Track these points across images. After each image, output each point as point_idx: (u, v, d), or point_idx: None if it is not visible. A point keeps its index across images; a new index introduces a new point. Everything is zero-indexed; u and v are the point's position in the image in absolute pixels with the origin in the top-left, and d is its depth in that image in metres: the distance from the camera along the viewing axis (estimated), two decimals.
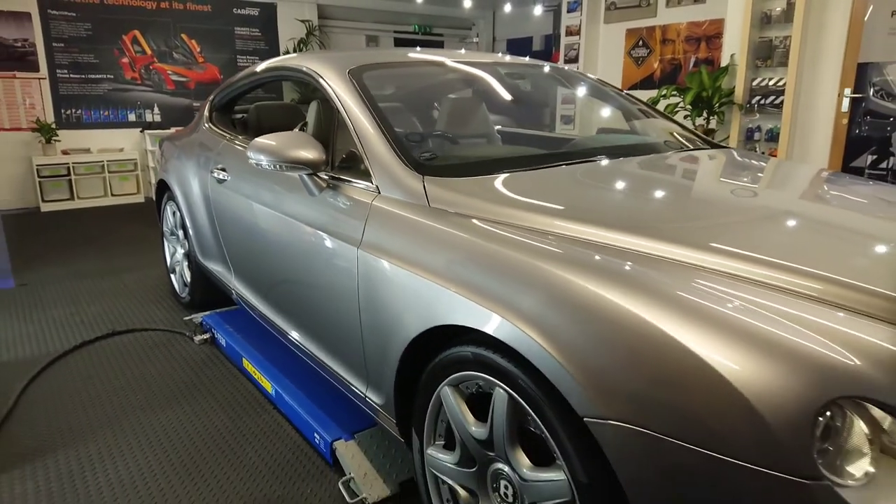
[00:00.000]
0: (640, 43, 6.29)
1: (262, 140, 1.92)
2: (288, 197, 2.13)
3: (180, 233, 3.37)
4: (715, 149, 2.38)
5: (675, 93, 4.90)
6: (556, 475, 1.21)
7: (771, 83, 4.57)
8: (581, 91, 2.92)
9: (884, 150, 4.12)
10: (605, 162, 1.96)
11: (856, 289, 1.09)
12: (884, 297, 1.07)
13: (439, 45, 10.02)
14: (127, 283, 4.02)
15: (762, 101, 4.61)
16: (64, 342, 3.06)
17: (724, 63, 4.83)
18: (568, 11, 6.71)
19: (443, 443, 1.54)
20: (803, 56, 4.36)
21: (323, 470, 2.03)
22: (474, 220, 1.50)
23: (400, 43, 9.49)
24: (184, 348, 3.01)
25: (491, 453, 1.37)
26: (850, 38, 4.15)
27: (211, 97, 3.27)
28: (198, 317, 3.23)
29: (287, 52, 8.01)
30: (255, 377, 2.58)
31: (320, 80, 2.15)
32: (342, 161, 1.96)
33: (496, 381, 1.30)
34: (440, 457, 1.52)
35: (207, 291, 3.27)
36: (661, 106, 4.94)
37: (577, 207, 1.52)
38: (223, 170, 2.66)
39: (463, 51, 2.65)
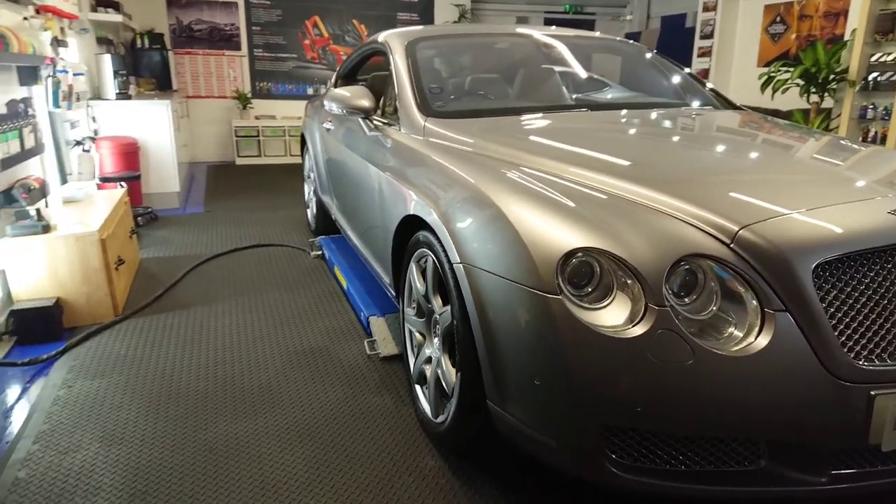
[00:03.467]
0: (778, 19, 6.12)
1: (334, 91, 2.69)
2: (355, 137, 2.88)
3: (312, 175, 4.33)
4: (728, 110, 2.69)
5: (782, 69, 4.84)
6: (447, 308, 1.80)
7: (890, 58, 4.37)
8: (611, 58, 3.28)
9: None
10: (575, 112, 2.44)
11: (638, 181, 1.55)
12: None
13: (590, 24, 10.22)
14: (279, 216, 5.13)
15: (879, 78, 4.43)
16: (223, 248, 4.17)
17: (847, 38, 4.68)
18: None
19: (413, 309, 2.19)
20: None
21: (361, 335, 2.79)
22: (444, 144, 2.11)
23: (549, 23, 9.86)
24: (302, 260, 3.96)
25: (429, 304, 1.99)
26: None
27: (338, 68, 4.14)
28: (316, 240, 4.16)
29: None
30: (338, 278, 3.41)
31: (388, 50, 2.85)
32: (390, 110, 2.66)
33: (429, 252, 1.92)
34: (409, 313, 2.18)
35: (325, 220, 4.19)
36: (768, 82, 4.93)
37: (512, 138, 2.07)
38: (330, 122, 3.50)
39: (519, 27, 3.17)
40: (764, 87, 4.99)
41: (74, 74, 4.16)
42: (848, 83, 4.55)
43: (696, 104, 2.78)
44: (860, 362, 1.32)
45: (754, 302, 1.34)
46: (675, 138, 2.09)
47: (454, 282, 1.72)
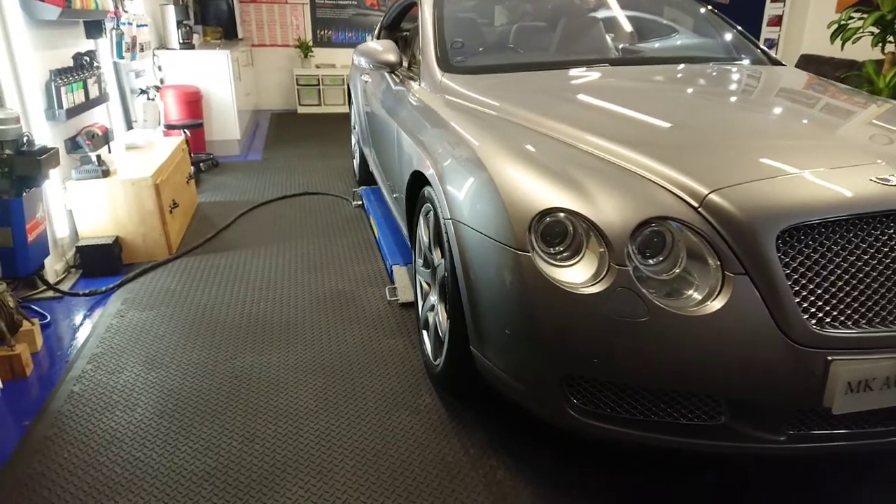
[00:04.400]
0: None
1: (362, 45, 2.78)
2: (385, 91, 2.97)
3: (356, 126, 4.46)
4: (767, 65, 2.59)
5: (853, 16, 4.50)
6: (443, 261, 1.91)
7: None
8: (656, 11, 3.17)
9: None
10: (592, 67, 2.42)
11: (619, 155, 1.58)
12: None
13: None
14: (329, 165, 5.33)
15: None
16: (274, 195, 4.40)
17: None
18: None
19: (422, 260, 2.31)
20: None
21: (386, 282, 2.95)
22: (454, 101, 2.18)
23: None
24: (344, 208, 4.14)
25: (430, 255, 2.11)
26: None
27: (381, 19, 4.20)
28: (358, 190, 4.33)
29: None
30: (372, 228, 3.57)
31: (420, 3, 2.89)
32: (415, 64, 2.72)
33: (431, 207, 2.02)
34: (419, 264, 2.30)
35: (367, 171, 4.33)
36: (839, 31, 4.60)
37: (515, 96, 2.10)
38: (367, 74, 3.60)
39: None
40: (834, 36, 4.66)
41: (138, 26, 4.40)
42: None
43: (729, 59, 2.69)
44: (818, 328, 1.34)
45: (716, 264, 1.37)
46: (679, 97, 2.05)
47: (447, 236, 1.82)
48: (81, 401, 2.06)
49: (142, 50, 4.52)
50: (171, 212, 3.35)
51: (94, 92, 3.47)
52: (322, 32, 8.55)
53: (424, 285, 2.27)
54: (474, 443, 1.84)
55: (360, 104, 3.98)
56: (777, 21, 6.28)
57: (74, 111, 3.17)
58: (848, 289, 1.36)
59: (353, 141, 4.77)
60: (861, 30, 4.41)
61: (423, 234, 2.18)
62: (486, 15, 2.98)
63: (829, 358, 1.33)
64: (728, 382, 1.39)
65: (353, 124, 4.70)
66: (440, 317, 2.00)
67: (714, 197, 1.40)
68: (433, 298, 2.13)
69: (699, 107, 1.92)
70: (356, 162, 4.70)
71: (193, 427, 1.93)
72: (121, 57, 4.07)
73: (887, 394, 1.35)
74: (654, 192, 1.46)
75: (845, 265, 1.36)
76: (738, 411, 1.44)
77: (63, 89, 3.03)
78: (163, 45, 5.53)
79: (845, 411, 1.35)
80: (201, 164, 5.08)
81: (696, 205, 1.41)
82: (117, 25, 4.02)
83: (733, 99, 2.06)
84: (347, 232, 3.66)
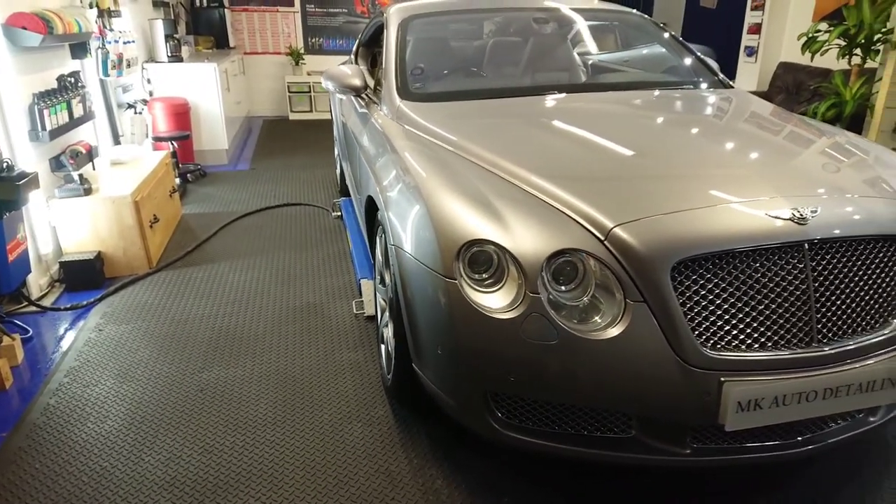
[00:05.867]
0: None
1: (329, 70, 2.90)
2: (352, 111, 3.10)
3: (337, 138, 4.59)
4: (718, 89, 2.71)
5: (819, 30, 4.60)
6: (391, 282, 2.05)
7: None
8: (605, 34, 3.29)
9: None
10: (541, 96, 2.54)
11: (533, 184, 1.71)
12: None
13: None
14: (315, 175, 5.46)
15: None
16: (257, 206, 4.54)
17: None
18: None
19: (379, 278, 2.43)
20: None
21: (355, 295, 3.08)
22: (408, 129, 2.30)
23: None
24: (323, 219, 4.27)
25: (384, 274, 2.24)
26: None
27: (360, 36, 4.32)
28: (338, 201, 4.46)
29: None
30: (347, 240, 3.70)
31: (385, 26, 3.02)
32: (380, 87, 2.85)
33: (382, 230, 2.15)
34: (377, 281, 2.43)
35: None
36: (809, 43, 4.71)
37: (462, 127, 2.22)
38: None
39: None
40: (804, 48, 4.77)
41: (124, 43, 4.54)
42: (890, 44, 4.29)
43: (681, 83, 2.80)
44: (711, 351, 1.46)
45: (619, 293, 1.50)
46: (612, 128, 2.13)
47: (392, 260, 1.95)
48: (56, 413, 2.20)
49: (129, 66, 4.65)
50: (151, 226, 3.48)
51: (78, 111, 3.61)
52: (313, 40, 8.68)
53: (381, 302, 2.40)
54: (418, 453, 1.97)
55: (337, 118, 4.11)
56: (756, 29, 6.38)
57: (58, 131, 3.31)
58: (740, 315, 1.49)
59: (336, 151, 4.90)
60: (828, 42, 4.52)
61: (379, 253, 2.31)
62: (449, 41, 3.10)
63: (722, 379, 1.46)
64: (631, 400, 1.52)
65: (335, 135, 4.83)
66: (389, 334, 2.13)
67: (618, 231, 1.52)
68: (386, 316, 2.26)
69: (626, 138, 2.03)
70: (338, 172, 4.83)
71: (158, 438, 2.06)
72: (106, 74, 4.21)
73: (777, 412, 1.48)
74: (568, 225, 1.59)
75: (738, 293, 1.49)
76: (646, 426, 1.56)
77: (46, 111, 3.16)
78: (152, 59, 5.67)
79: (737, 428, 1.47)
80: (189, 175, 5.22)
81: (602, 237, 1.53)
82: (103, 45, 4.15)
83: (662, 129, 2.16)
84: (324, 244, 3.79)
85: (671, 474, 1.88)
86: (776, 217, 1.51)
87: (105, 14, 4.24)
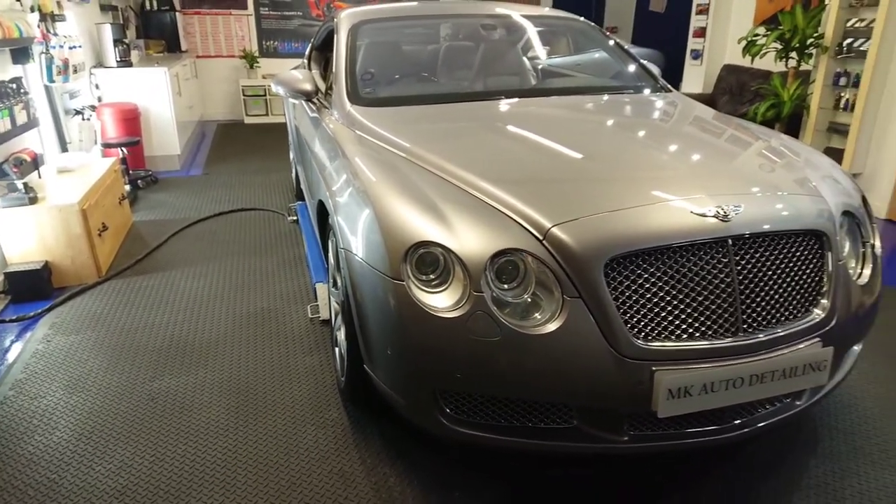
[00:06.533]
0: None
1: (279, 75, 2.90)
2: (304, 115, 3.11)
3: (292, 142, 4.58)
4: (657, 93, 2.81)
5: (757, 34, 4.81)
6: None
7: (862, 25, 4.32)
8: (554, 39, 3.38)
9: None
10: (489, 101, 2.60)
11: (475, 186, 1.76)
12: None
13: None
14: (270, 180, 5.43)
15: (853, 44, 4.38)
16: (211, 211, 4.49)
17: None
18: None
19: (332, 281, 2.46)
20: None
21: (311, 299, 3.09)
22: (358, 134, 2.34)
23: None
24: (279, 224, 4.26)
25: (337, 278, 2.26)
26: None
27: (312, 40, 4.32)
28: (294, 205, 4.45)
29: None
30: (302, 244, 3.71)
31: (336, 31, 3.04)
32: (331, 92, 2.87)
33: (333, 234, 2.17)
34: (331, 284, 2.46)
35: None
36: (749, 47, 4.91)
37: (410, 131, 2.26)
38: None
39: (474, 5, 3.29)
40: (745, 52, 4.97)
41: (70, 48, 4.44)
42: (822, 49, 4.52)
43: (623, 88, 2.90)
44: (643, 342, 1.54)
45: (557, 289, 1.56)
46: (554, 132, 2.21)
47: (342, 263, 1.98)
48: (1, 427, 2.15)
49: (75, 71, 4.55)
50: (100, 235, 3.42)
51: (22, 118, 3.52)
52: (268, 43, 8.61)
53: (335, 305, 2.43)
54: (371, 453, 2.01)
55: (291, 120, 4.10)
56: (701, 33, 6.60)
57: (0, 139, 3.22)
58: (669, 307, 1.57)
59: (291, 155, 4.89)
60: (766, 46, 4.72)
61: (332, 257, 2.34)
62: (399, 46, 3.14)
63: (654, 368, 1.54)
64: (571, 391, 1.58)
65: (290, 139, 4.81)
66: (341, 336, 2.16)
67: (555, 230, 1.59)
68: (339, 319, 2.28)
69: (569, 142, 2.10)
70: (294, 176, 4.81)
71: (108, 448, 2.04)
72: (51, 80, 4.11)
73: (706, 398, 1.56)
74: (510, 226, 1.65)
75: (667, 287, 1.57)
76: (586, 416, 1.64)
77: None
78: (100, 64, 5.54)
79: (668, 415, 1.55)
80: (139, 182, 5.12)
81: (540, 237, 1.60)
82: (46, 49, 4.06)
83: (603, 133, 2.24)
84: (279, 248, 3.79)
85: (612, 463, 1.96)
86: (701, 215, 1.60)
87: (48, 18, 4.15)
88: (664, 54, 8.74)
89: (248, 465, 1.96)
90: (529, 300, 1.60)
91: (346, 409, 2.23)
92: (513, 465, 1.95)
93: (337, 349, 2.40)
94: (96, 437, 2.09)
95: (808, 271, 1.72)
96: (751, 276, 1.63)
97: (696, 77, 6.76)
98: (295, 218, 4.29)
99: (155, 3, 7.59)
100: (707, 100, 6.18)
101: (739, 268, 1.61)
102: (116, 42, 5.46)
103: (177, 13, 7.64)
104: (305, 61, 4.19)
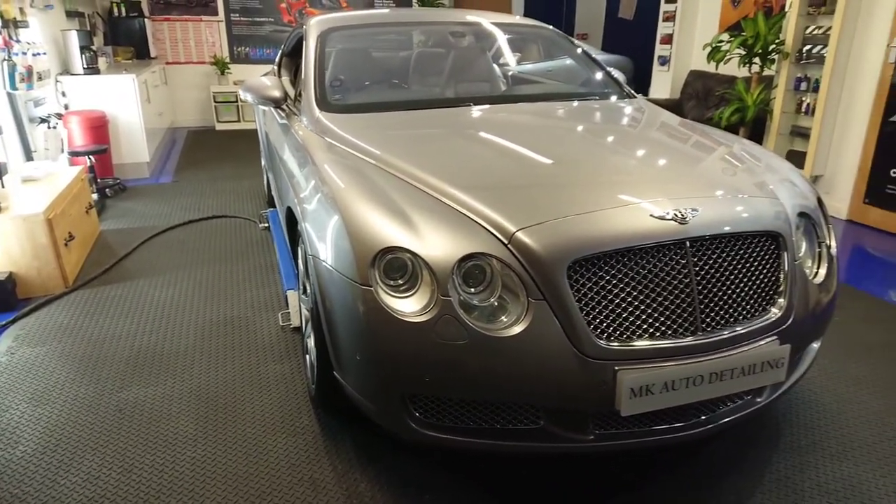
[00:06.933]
0: None
1: (247, 81, 2.90)
2: (274, 122, 3.11)
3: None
4: (622, 100, 2.87)
5: (721, 40, 4.93)
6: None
7: (820, 32, 4.46)
8: (521, 47, 3.43)
9: None
10: (456, 108, 2.63)
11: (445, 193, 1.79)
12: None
13: None
14: (242, 186, 5.39)
15: (812, 50, 4.52)
16: (181, 219, 4.45)
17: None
18: None
19: (303, 288, 2.46)
20: (855, 3, 4.20)
21: (282, 306, 3.08)
22: (327, 141, 2.34)
23: None
24: (250, 231, 4.23)
25: (307, 284, 2.26)
26: None
27: (283, 46, 4.32)
28: (266, 212, 4.42)
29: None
30: (274, 251, 3.69)
31: (305, 38, 3.05)
32: (300, 98, 2.87)
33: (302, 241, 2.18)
34: (301, 291, 2.45)
35: None
36: (711, 52, 5.02)
37: (379, 137, 2.28)
38: None
39: (442, 15, 3.32)
40: (709, 58, 5.09)
41: (34, 55, 4.37)
42: (783, 54, 4.64)
43: (590, 94, 2.95)
44: (606, 343, 1.58)
45: (522, 292, 1.59)
46: (521, 138, 2.24)
47: (311, 270, 1.98)
48: None
49: (40, 79, 4.48)
50: (66, 244, 3.37)
51: None
52: (239, 49, 8.55)
53: (305, 312, 2.42)
54: (342, 459, 2.01)
55: (262, 127, 4.09)
56: (668, 39, 6.73)
57: None
58: (631, 308, 1.61)
59: (263, 162, 4.86)
60: (729, 52, 4.84)
61: (301, 264, 2.34)
62: (369, 53, 3.15)
63: (616, 368, 1.57)
64: (538, 392, 1.61)
65: (261, 145, 4.79)
66: (311, 343, 2.16)
67: (519, 234, 1.62)
68: (310, 326, 2.28)
69: (536, 147, 2.13)
70: (266, 182, 4.79)
71: (75, 460, 2.01)
72: (14, 88, 4.04)
73: (667, 396, 1.60)
74: (477, 231, 1.67)
75: (628, 288, 1.61)
76: (553, 416, 1.66)
77: None
78: (66, 71, 5.46)
79: (631, 413, 1.59)
80: (107, 190, 5.05)
81: (505, 241, 1.62)
82: (9, 56, 3.99)
83: (569, 139, 2.28)
84: (251, 256, 3.77)
85: (579, 462, 1.99)
86: (660, 217, 1.65)
87: (10, 25, 4.08)
88: (634, 60, 8.90)
89: (217, 474, 1.95)
90: (496, 304, 1.63)
91: (317, 416, 2.23)
92: (482, 466, 1.97)
93: (307, 356, 2.39)
94: (62, 450, 2.06)
95: (764, 271, 1.78)
96: (709, 276, 1.67)
97: (663, 82, 6.89)
98: (266, 225, 4.27)
99: (123, 10, 7.50)
100: (674, 105, 6.30)
101: (697, 269, 1.66)
102: (83, 49, 5.38)
103: (146, 20, 7.56)
104: (276, 68, 4.17)
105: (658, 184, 1.82)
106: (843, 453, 2.04)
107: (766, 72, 5.10)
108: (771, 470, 1.96)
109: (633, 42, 9.46)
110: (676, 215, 1.65)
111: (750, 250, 1.76)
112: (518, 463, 1.99)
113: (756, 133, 5.13)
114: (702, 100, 6.15)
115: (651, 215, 1.66)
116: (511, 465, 1.98)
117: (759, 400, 1.84)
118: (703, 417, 1.75)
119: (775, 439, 2.11)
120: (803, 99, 4.67)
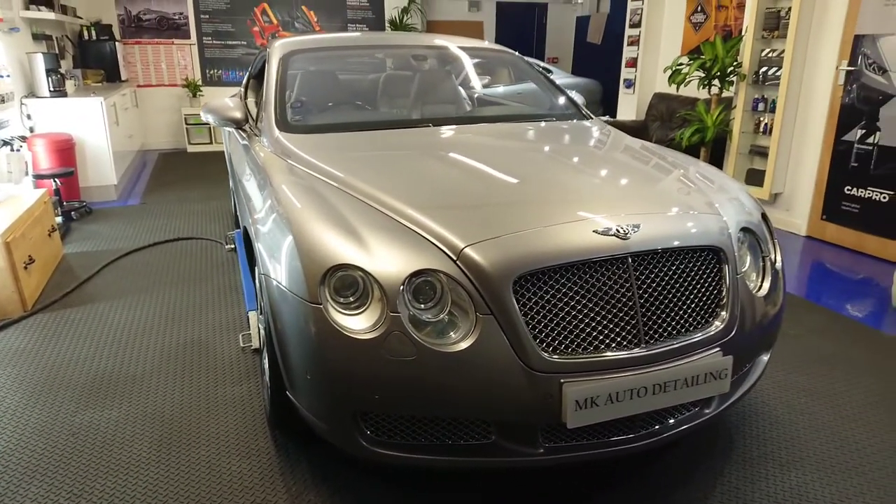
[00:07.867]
0: (699, 9, 6.32)
1: (209, 103, 2.92)
2: (238, 145, 3.12)
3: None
4: (580, 121, 2.93)
5: (681, 63, 5.08)
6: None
7: (774, 55, 4.62)
8: (483, 68, 3.50)
9: (871, 124, 4.07)
10: (415, 129, 2.67)
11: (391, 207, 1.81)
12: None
13: (543, 8, 10.35)
14: (210, 208, 5.37)
15: (767, 72, 4.68)
16: (146, 241, 4.41)
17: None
18: None
19: (260, 309, 2.45)
20: (805, 27, 4.37)
21: (243, 328, 3.06)
22: (286, 162, 2.36)
23: (502, 9, 10.00)
24: (216, 253, 4.21)
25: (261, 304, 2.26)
26: (850, 8, 4.11)
27: (249, 69, 4.35)
28: (232, 233, 4.41)
29: (391, 20, 8.99)
30: (239, 273, 3.67)
31: (267, 60, 3.08)
32: (261, 120, 2.89)
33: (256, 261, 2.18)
34: (259, 316, 2.45)
35: None
36: (670, 74, 5.17)
37: (335, 157, 2.30)
38: None
39: (404, 38, 3.38)
40: (670, 80, 5.23)
41: None
42: (740, 76, 4.80)
43: (548, 115, 3.02)
44: (551, 356, 1.60)
45: (470, 308, 1.62)
46: (476, 157, 2.29)
47: (262, 289, 1.99)
48: None
49: (2, 101, 4.44)
50: (25, 268, 3.32)
51: None
52: (211, 72, 8.57)
53: (263, 332, 2.42)
54: (297, 480, 1.99)
55: (227, 148, 4.09)
56: (633, 63, 6.91)
57: None
58: (575, 322, 1.64)
59: (231, 183, 4.85)
60: (689, 74, 4.99)
61: (257, 284, 2.34)
62: (330, 75, 3.19)
63: (562, 381, 1.60)
64: (487, 407, 1.63)
65: (228, 167, 4.79)
66: (266, 363, 2.16)
67: (467, 251, 1.64)
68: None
69: (490, 166, 2.18)
70: (234, 204, 4.78)
71: (21, 486, 1.97)
72: None
73: (612, 408, 1.63)
74: (427, 247, 1.69)
75: (572, 302, 1.64)
76: (503, 431, 1.68)
77: None
78: (32, 94, 5.42)
79: (577, 425, 1.61)
80: (73, 213, 4.99)
81: (454, 258, 1.65)
82: None
83: (523, 159, 2.32)
84: (215, 277, 3.74)
85: (534, 476, 2.00)
86: (602, 233, 1.69)
87: None
88: (602, 83, 9.09)
89: (170, 498, 1.92)
90: (447, 319, 1.64)
91: (273, 437, 2.21)
92: (438, 483, 1.97)
93: (264, 377, 2.38)
94: (9, 477, 2.02)
95: (706, 285, 1.82)
96: (651, 289, 1.72)
97: (629, 105, 7.05)
98: (232, 246, 4.26)
99: (94, 33, 7.48)
100: (640, 126, 6.45)
101: (640, 282, 1.70)
102: (49, 71, 5.35)
103: (116, 43, 7.55)
104: (242, 90, 4.20)
105: (603, 201, 1.87)
106: (792, 462, 2.08)
107: (726, 93, 5.27)
108: (722, 482, 1.99)
109: (602, 66, 9.68)
110: (618, 231, 1.70)
111: (692, 264, 1.81)
112: (473, 478, 1.99)
113: (716, 153, 5.26)
114: (666, 121, 6.30)
115: (594, 231, 1.70)
116: (466, 480, 1.99)
117: (707, 411, 1.87)
118: (653, 429, 1.78)
119: (728, 450, 2.14)
120: (761, 119, 4.82)
